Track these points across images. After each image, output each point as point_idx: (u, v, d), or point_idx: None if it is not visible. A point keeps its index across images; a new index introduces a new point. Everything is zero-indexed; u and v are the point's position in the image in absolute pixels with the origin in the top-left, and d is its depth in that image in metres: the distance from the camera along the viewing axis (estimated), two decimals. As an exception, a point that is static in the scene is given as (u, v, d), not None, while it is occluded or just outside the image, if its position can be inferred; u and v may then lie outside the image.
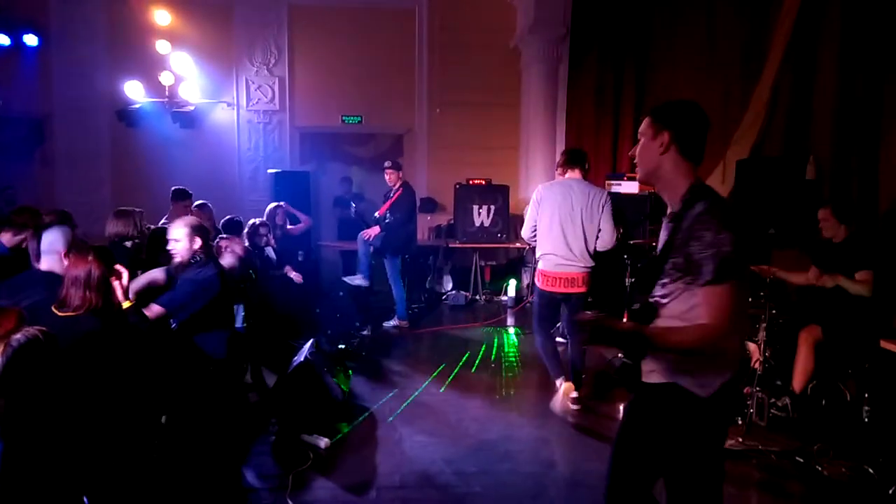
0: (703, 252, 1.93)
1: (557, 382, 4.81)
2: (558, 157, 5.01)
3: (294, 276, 6.32)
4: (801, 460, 3.89)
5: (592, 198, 4.67)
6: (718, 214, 1.96)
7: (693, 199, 2.06)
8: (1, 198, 9.20)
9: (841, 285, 4.30)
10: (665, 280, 2.07)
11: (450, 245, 9.06)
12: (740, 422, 4.36)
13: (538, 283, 4.83)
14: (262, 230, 6.33)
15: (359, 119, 10.43)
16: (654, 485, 2.26)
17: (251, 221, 6.33)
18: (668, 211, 2.18)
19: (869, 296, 4.23)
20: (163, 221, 6.15)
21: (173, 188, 6.79)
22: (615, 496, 2.27)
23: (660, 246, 2.21)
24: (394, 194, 7.19)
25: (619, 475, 2.27)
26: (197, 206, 6.64)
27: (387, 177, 7.26)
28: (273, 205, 7.30)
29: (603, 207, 4.67)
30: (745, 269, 2.02)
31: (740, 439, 4.16)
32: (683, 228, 2.01)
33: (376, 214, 7.32)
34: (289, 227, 7.45)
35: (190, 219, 4.05)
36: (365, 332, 6.98)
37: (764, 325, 4.48)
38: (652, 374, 2.13)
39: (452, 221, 9.36)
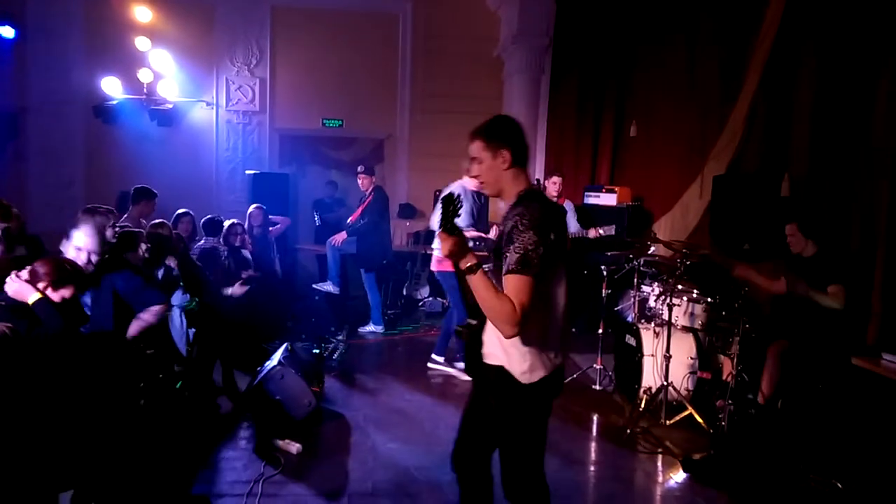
0: (512, 247, 2.21)
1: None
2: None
3: (236, 290, 5.92)
4: (772, 473, 3.93)
5: None
6: (529, 217, 2.23)
7: (519, 202, 2.35)
8: (-29, 191, 9.02)
9: (811, 297, 4.37)
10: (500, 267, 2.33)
11: (428, 251, 9.03)
12: (711, 432, 4.40)
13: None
14: (238, 229, 6.28)
15: (340, 123, 10.39)
16: (492, 453, 2.62)
17: (228, 222, 6.27)
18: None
19: (841, 308, 4.30)
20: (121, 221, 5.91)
21: (139, 186, 6.50)
22: (458, 460, 2.67)
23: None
24: (366, 199, 7.20)
25: (462, 442, 2.66)
26: (179, 214, 6.39)
27: (360, 181, 7.28)
28: (253, 206, 7.25)
29: None
30: (549, 270, 2.26)
31: (711, 451, 4.19)
32: (508, 226, 2.28)
33: (348, 221, 7.33)
34: (270, 228, 7.41)
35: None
36: (340, 337, 6.93)
37: (737, 338, 4.52)
38: (490, 356, 2.41)
39: (431, 228, 9.34)
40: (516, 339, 2.28)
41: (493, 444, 2.58)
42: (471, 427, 2.64)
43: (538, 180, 9.57)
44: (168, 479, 3.62)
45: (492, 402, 2.47)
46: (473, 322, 2.48)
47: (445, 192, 4.69)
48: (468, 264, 2.24)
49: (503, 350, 2.36)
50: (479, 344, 2.46)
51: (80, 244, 3.74)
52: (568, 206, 7.02)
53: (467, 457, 2.65)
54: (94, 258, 3.78)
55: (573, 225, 6.85)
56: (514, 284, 2.19)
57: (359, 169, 7.31)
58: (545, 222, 2.24)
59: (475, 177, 2.51)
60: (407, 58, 10.44)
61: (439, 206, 2.45)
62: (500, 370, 2.37)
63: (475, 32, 10.27)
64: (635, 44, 8.10)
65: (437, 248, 5.23)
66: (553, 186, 6.89)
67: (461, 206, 2.35)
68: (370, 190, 7.26)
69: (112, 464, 3.22)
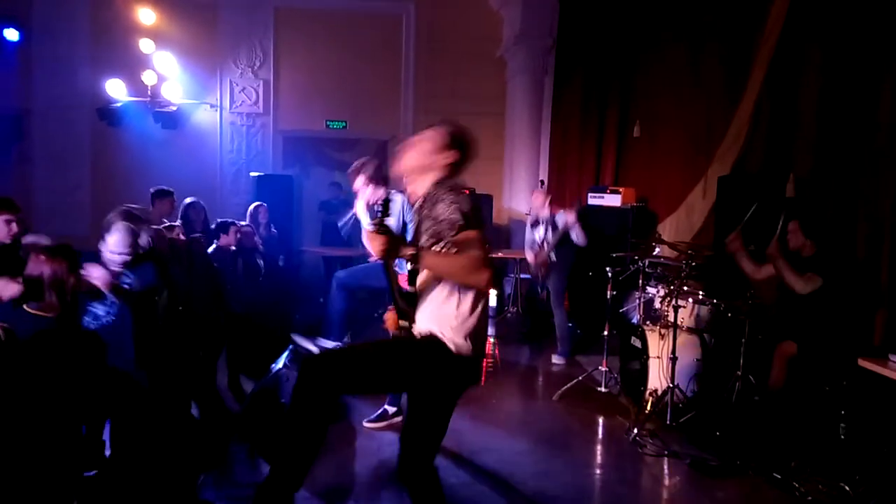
0: (450, 212, 2.38)
1: None
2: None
3: None
4: (779, 477, 3.91)
5: None
6: (454, 190, 2.45)
7: (437, 187, 2.52)
8: (-25, 194, 9.04)
9: (784, 275, 4.40)
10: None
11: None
12: (718, 434, 4.38)
13: None
14: (245, 229, 6.23)
15: (343, 124, 10.39)
16: (433, 460, 2.62)
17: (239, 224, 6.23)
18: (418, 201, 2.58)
19: (802, 292, 4.35)
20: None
21: (155, 188, 6.65)
22: (402, 473, 2.66)
23: (411, 232, 2.66)
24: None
25: (404, 453, 2.63)
26: (189, 203, 6.48)
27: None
28: (255, 204, 7.21)
29: None
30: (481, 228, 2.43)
31: (717, 454, 4.17)
32: (432, 205, 2.45)
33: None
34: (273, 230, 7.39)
35: None
36: (345, 340, 6.91)
37: (743, 340, 4.51)
38: (423, 326, 2.52)
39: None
40: (451, 319, 2.44)
41: (432, 451, 2.62)
42: (409, 437, 2.63)
43: (542, 181, 9.57)
44: (174, 483, 3.62)
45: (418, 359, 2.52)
46: (405, 324, 2.60)
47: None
48: (409, 253, 2.39)
49: (438, 327, 2.47)
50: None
51: (114, 248, 3.74)
52: (560, 218, 6.62)
53: (411, 468, 2.62)
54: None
55: (579, 238, 6.49)
56: (466, 240, 2.35)
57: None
58: (465, 193, 2.46)
59: (401, 145, 2.71)
60: (410, 59, 10.44)
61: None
62: (433, 337, 2.47)
63: (478, 33, 10.27)
64: (639, 44, 8.07)
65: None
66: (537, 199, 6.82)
67: (391, 206, 2.53)
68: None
69: (116, 468, 3.22)
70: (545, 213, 6.67)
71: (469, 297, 2.48)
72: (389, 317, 2.70)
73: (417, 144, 2.62)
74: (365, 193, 4.48)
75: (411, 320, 2.57)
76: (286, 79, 10.31)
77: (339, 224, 4.97)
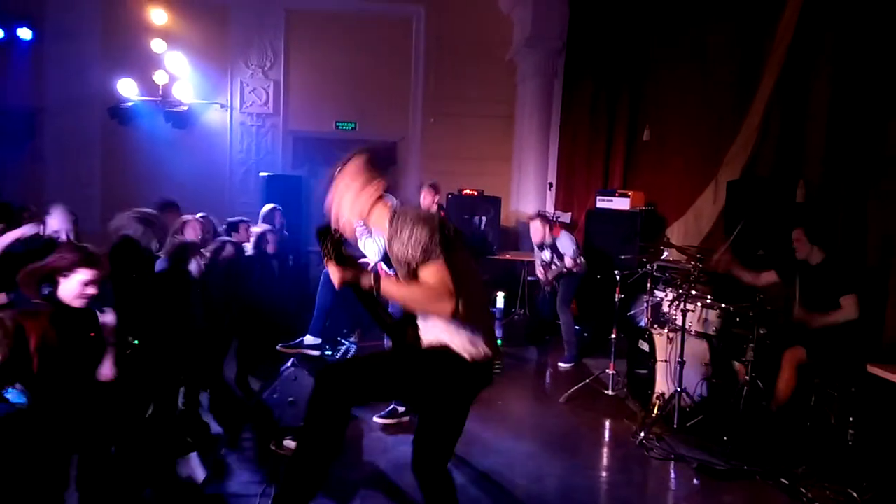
0: (412, 244, 2.33)
1: None
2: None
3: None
4: (786, 482, 3.90)
5: None
6: (412, 216, 2.39)
7: (399, 215, 2.45)
8: (-12, 190, 9.12)
9: (828, 322, 4.36)
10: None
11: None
12: (726, 439, 4.37)
13: None
14: (270, 237, 6.18)
15: (353, 125, 10.43)
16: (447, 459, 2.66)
17: (257, 228, 6.21)
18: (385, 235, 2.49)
19: (856, 318, 4.28)
20: None
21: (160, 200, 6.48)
22: (417, 468, 2.64)
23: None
24: None
25: (418, 450, 2.64)
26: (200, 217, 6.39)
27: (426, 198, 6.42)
28: (269, 206, 7.16)
29: None
30: (451, 257, 2.38)
31: (725, 458, 4.17)
32: (398, 234, 2.39)
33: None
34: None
35: None
36: (352, 339, 6.93)
37: (752, 345, 4.50)
38: (433, 337, 2.50)
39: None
40: (454, 326, 2.42)
41: (446, 453, 2.64)
42: (423, 440, 2.65)
43: (551, 184, 9.58)
44: (182, 479, 3.64)
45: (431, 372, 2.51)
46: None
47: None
48: (370, 283, 2.35)
49: (449, 338, 2.47)
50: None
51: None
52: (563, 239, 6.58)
53: (425, 469, 2.63)
54: None
55: (570, 250, 6.42)
56: (429, 272, 2.33)
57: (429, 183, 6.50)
58: (427, 217, 2.41)
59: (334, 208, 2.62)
60: (420, 61, 10.47)
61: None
62: (446, 347, 2.46)
63: (488, 36, 10.29)
64: (649, 48, 8.07)
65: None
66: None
67: (339, 235, 2.47)
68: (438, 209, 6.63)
69: (122, 464, 3.24)
70: (548, 239, 6.64)
71: (470, 305, 2.45)
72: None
73: (346, 191, 2.60)
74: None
75: (405, 340, 2.57)
76: (296, 80, 10.36)
77: None
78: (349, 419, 2.50)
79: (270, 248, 6.20)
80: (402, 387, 2.58)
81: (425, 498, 2.62)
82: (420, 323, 2.55)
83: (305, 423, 2.44)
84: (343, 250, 2.43)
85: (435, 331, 2.50)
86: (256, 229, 6.22)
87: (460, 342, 2.46)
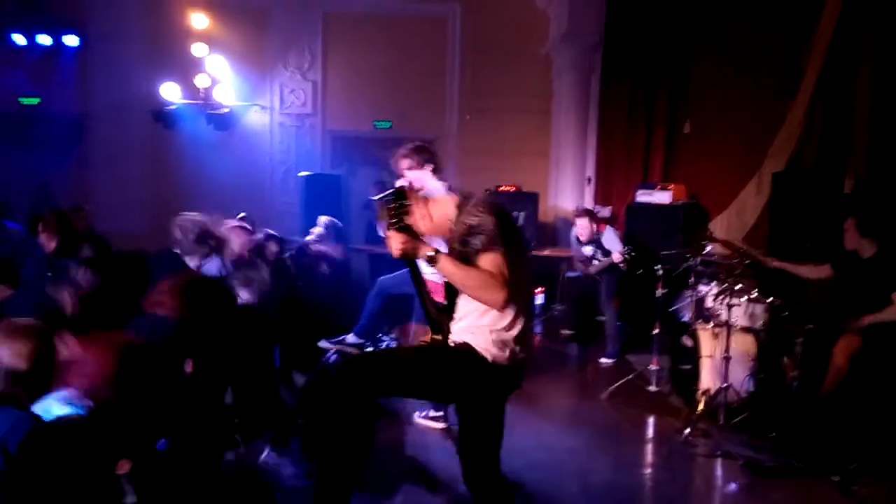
0: (478, 231, 2.34)
1: None
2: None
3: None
4: (837, 479, 3.81)
5: None
6: (484, 206, 2.41)
7: (467, 203, 2.48)
8: (38, 195, 9.41)
9: (880, 320, 4.24)
10: None
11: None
12: (773, 435, 4.28)
13: None
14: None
15: (389, 124, 10.49)
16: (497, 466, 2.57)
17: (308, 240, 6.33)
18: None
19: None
20: None
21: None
22: (467, 479, 2.58)
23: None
24: None
25: (465, 460, 2.57)
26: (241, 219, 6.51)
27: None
28: (329, 219, 6.99)
29: None
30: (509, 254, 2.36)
31: (773, 455, 4.09)
32: (463, 220, 2.41)
33: None
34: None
35: None
36: (392, 337, 6.97)
37: (800, 340, 4.40)
38: (459, 337, 2.50)
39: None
40: (487, 332, 2.41)
41: (490, 460, 2.56)
42: (464, 449, 2.60)
43: (589, 178, 9.50)
44: (229, 470, 3.71)
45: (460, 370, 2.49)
46: (438, 337, 2.58)
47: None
48: (428, 253, 2.31)
49: (474, 339, 2.45)
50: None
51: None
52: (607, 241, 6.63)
53: (475, 479, 2.57)
54: None
55: (618, 245, 6.47)
56: (488, 259, 2.30)
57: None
58: (495, 207, 2.43)
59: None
60: (455, 58, 10.48)
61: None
62: (468, 347, 2.45)
63: (523, 32, 10.25)
64: (689, 39, 7.95)
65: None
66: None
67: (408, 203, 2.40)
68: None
69: (179, 451, 3.31)
70: (594, 236, 6.64)
71: (507, 311, 2.43)
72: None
73: (416, 184, 2.74)
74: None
75: (445, 333, 2.56)
76: (334, 80, 10.46)
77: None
78: (373, 411, 2.50)
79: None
80: (422, 382, 2.53)
81: None
82: (454, 319, 2.55)
83: (328, 413, 2.47)
84: (406, 220, 2.36)
85: (463, 330, 2.50)
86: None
87: (485, 343, 2.43)
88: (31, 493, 2.15)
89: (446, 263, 2.32)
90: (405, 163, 3.52)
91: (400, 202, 2.34)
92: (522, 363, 2.53)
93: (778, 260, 4.87)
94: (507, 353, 2.45)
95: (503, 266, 2.31)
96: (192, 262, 4.35)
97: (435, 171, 3.75)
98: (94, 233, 5.03)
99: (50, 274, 4.26)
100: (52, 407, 2.59)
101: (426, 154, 3.65)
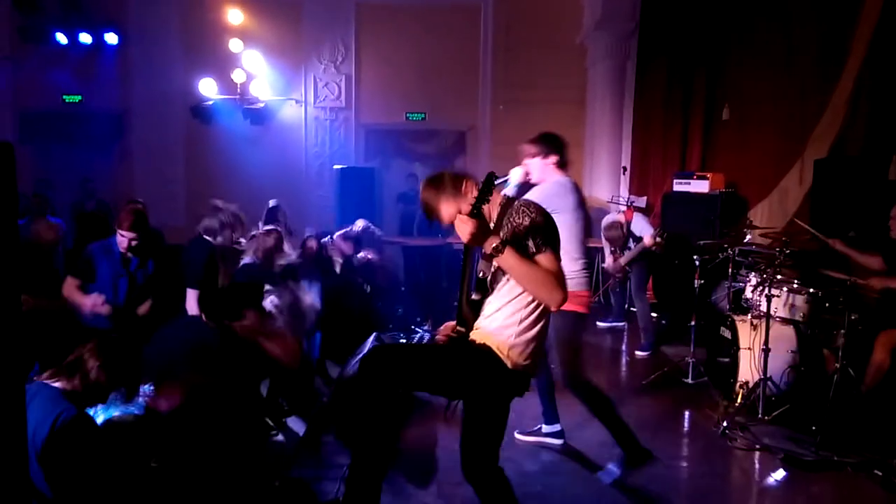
0: (531, 232, 2.39)
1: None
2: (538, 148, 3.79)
3: None
4: (880, 473, 3.71)
5: None
6: (535, 208, 2.47)
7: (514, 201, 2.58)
8: (82, 190, 9.66)
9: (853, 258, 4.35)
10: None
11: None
12: (814, 429, 4.19)
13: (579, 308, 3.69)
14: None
15: (422, 116, 10.50)
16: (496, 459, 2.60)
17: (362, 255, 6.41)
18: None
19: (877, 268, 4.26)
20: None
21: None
22: (466, 471, 2.61)
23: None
24: None
25: (465, 453, 2.60)
26: (273, 207, 6.61)
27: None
28: (366, 224, 7.08)
29: None
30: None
31: (814, 449, 4.00)
32: (516, 214, 2.47)
33: None
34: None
35: None
36: (426, 328, 7.00)
37: (843, 331, 4.28)
38: (480, 338, 2.53)
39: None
40: (511, 337, 2.46)
41: (489, 454, 2.59)
42: (466, 441, 2.62)
43: (625, 168, 9.38)
44: (267, 462, 3.77)
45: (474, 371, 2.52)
46: (462, 329, 2.59)
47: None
48: (494, 244, 2.31)
49: (496, 342, 2.49)
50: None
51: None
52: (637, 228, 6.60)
53: (473, 470, 2.60)
54: None
55: (648, 229, 6.45)
56: (546, 258, 2.36)
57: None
58: (545, 211, 2.49)
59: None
60: (488, 49, 10.43)
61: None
62: (489, 349, 2.49)
63: (557, 20, 10.14)
64: (727, 24, 7.77)
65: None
66: None
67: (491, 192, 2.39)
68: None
69: (214, 446, 3.37)
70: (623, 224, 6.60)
71: (533, 319, 2.50)
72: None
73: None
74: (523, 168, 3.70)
75: (469, 328, 2.58)
76: (367, 73, 10.50)
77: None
78: (395, 401, 2.53)
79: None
80: (440, 378, 2.58)
81: (481, 499, 2.62)
82: (481, 318, 2.57)
83: (354, 403, 2.55)
84: (482, 207, 2.36)
85: (487, 332, 2.53)
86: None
87: (506, 350, 2.48)
88: (66, 474, 2.36)
89: (512, 255, 2.32)
90: (530, 149, 3.58)
91: (487, 189, 2.35)
92: (532, 372, 2.59)
93: (842, 244, 4.80)
94: (524, 360, 2.51)
95: (559, 267, 2.38)
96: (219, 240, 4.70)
97: (558, 165, 3.76)
98: (150, 227, 5.11)
99: (124, 271, 4.36)
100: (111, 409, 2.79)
101: (552, 145, 3.69)
